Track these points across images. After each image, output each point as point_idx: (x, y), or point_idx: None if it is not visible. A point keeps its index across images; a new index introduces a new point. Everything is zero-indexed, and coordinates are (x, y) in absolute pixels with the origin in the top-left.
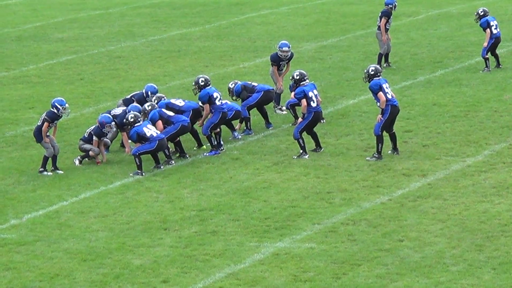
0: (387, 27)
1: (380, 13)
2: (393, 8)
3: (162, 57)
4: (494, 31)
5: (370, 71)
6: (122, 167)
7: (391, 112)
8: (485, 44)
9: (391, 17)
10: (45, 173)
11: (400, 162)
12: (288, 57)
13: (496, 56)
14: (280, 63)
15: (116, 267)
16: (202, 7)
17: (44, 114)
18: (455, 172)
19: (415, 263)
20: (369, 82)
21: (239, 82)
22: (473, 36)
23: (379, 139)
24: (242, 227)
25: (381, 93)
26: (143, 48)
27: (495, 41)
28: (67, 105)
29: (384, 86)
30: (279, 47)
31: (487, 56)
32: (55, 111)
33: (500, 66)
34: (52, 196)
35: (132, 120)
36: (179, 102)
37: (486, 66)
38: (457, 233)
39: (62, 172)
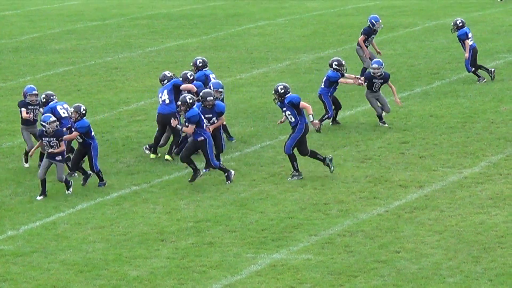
0: (366, 44)
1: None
2: (371, 25)
3: (159, 68)
4: (470, 43)
5: (279, 90)
6: (119, 178)
7: (305, 130)
8: (466, 55)
9: (372, 36)
10: (74, 175)
11: (397, 173)
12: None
13: (480, 66)
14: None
15: (113, 278)
16: (199, 18)
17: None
18: (452, 184)
19: (411, 275)
20: (281, 102)
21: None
22: None
23: (291, 157)
24: (239, 239)
25: (303, 103)
26: (140, 59)
27: (473, 51)
28: (51, 118)
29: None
30: (370, 20)
31: (473, 69)
32: (42, 128)
33: (491, 71)
34: (49, 207)
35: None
36: (63, 112)
37: (479, 77)
38: (453, 245)
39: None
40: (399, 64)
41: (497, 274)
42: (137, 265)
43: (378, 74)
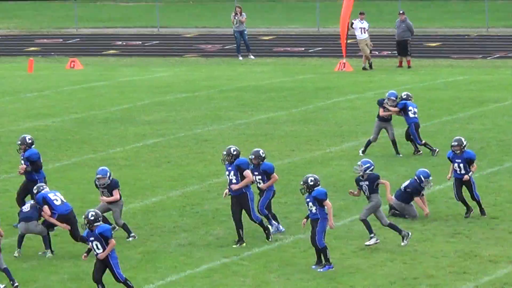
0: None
1: None
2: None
3: (248, 140)
4: (411, 116)
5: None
6: (209, 250)
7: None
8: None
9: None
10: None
11: (487, 248)
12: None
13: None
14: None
15: None
16: (288, 91)
17: None
18: None
19: None
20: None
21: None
22: None
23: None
24: None
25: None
26: (230, 131)
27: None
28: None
29: None
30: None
31: (423, 142)
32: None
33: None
34: (138, 279)
35: None
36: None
37: (431, 150)
38: None
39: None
40: (488, 139)
41: None
42: None
43: (359, 173)
